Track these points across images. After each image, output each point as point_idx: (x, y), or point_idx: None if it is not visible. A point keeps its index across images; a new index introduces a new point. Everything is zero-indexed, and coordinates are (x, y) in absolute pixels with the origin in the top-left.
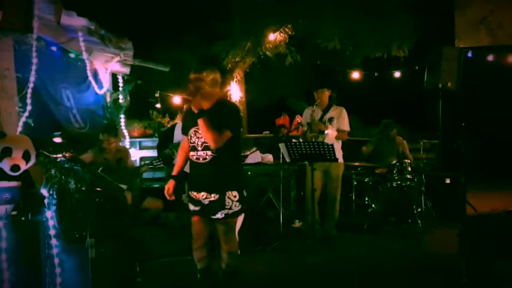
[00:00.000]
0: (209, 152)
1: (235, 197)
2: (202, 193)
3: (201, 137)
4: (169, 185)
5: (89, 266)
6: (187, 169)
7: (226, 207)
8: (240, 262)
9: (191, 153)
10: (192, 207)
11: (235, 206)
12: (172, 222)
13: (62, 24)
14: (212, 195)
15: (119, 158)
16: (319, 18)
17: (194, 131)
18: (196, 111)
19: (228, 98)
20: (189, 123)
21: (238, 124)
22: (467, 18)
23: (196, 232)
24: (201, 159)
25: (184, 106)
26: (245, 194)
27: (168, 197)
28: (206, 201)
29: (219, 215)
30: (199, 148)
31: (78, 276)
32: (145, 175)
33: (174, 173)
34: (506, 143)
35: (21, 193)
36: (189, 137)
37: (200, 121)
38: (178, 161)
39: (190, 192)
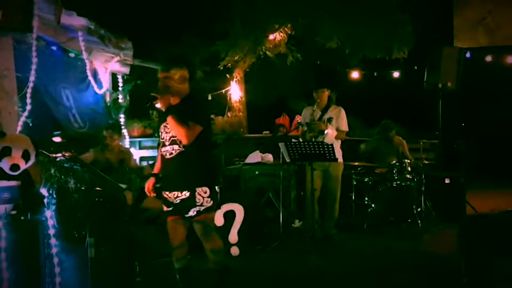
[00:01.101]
0: (176, 147)
1: (205, 193)
2: (174, 192)
3: (169, 132)
4: (150, 183)
5: (89, 266)
6: None
7: (198, 204)
8: (239, 261)
9: (162, 149)
10: (165, 208)
11: (206, 201)
12: None
13: (62, 23)
14: (183, 192)
15: (121, 159)
16: (319, 17)
17: (164, 126)
18: (164, 109)
19: (228, 98)
20: (160, 121)
21: (207, 117)
22: (465, 18)
23: (171, 232)
24: (168, 154)
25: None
26: (217, 189)
27: (148, 194)
28: (177, 200)
29: (191, 213)
30: (167, 143)
31: (78, 276)
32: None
33: (155, 171)
34: (505, 142)
35: (20, 192)
36: (160, 134)
37: (169, 118)
38: (158, 159)
39: (163, 193)
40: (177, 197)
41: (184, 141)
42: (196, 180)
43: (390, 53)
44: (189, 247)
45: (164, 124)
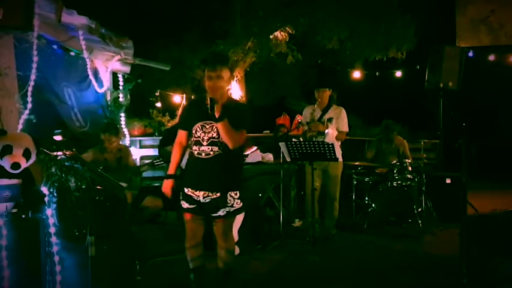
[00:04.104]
0: (215, 148)
1: (236, 194)
2: (203, 192)
3: (209, 132)
4: (169, 184)
5: (89, 264)
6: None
7: (228, 204)
8: (239, 261)
9: (194, 147)
10: (186, 205)
11: (236, 203)
12: (172, 221)
13: (63, 22)
14: (214, 193)
15: (119, 157)
16: (320, 18)
17: (201, 125)
18: (218, 113)
19: None
20: (193, 117)
21: (250, 124)
22: (468, 18)
23: (190, 230)
24: (203, 154)
25: (184, 101)
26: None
27: (167, 195)
28: (207, 199)
29: (220, 213)
30: (205, 143)
31: (78, 274)
32: (145, 174)
33: (172, 171)
34: (507, 143)
35: (21, 191)
36: (194, 131)
37: (222, 123)
38: (175, 158)
39: (186, 189)
40: (207, 196)
41: (232, 146)
42: (230, 184)
43: (387, 52)
44: (204, 247)
45: (202, 123)
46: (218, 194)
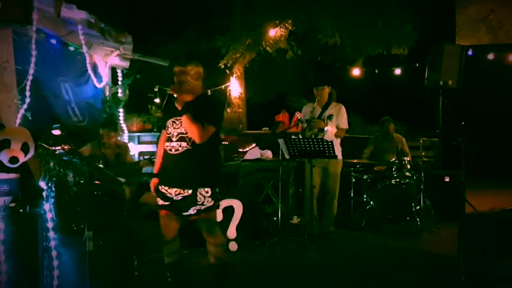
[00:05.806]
0: (183, 144)
1: (207, 192)
2: (175, 189)
3: (178, 128)
4: (152, 183)
5: (87, 259)
6: None
7: (198, 203)
8: (237, 257)
9: (166, 143)
10: (160, 201)
11: (207, 201)
12: None
13: (62, 16)
14: (185, 190)
15: (117, 154)
16: (320, 14)
17: (172, 121)
18: (180, 107)
19: (228, 94)
20: (167, 114)
21: (221, 119)
22: (468, 16)
23: (164, 226)
24: (173, 150)
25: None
26: (217, 190)
27: (154, 194)
28: (179, 197)
29: (191, 211)
30: (174, 139)
31: (76, 269)
32: (144, 169)
33: (155, 170)
34: (506, 141)
35: (19, 185)
36: (167, 127)
37: (185, 117)
38: (159, 157)
39: (160, 186)
40: (179, 193)
41: (198, 141)
42: (200, 180)
43: (390, 48)
44: (180, 243)
45: (173, 119)
46: (190, 192)
